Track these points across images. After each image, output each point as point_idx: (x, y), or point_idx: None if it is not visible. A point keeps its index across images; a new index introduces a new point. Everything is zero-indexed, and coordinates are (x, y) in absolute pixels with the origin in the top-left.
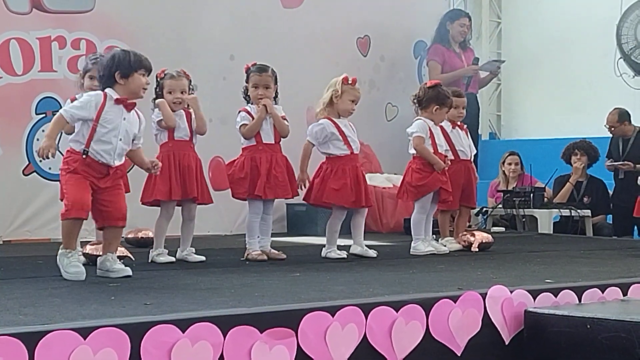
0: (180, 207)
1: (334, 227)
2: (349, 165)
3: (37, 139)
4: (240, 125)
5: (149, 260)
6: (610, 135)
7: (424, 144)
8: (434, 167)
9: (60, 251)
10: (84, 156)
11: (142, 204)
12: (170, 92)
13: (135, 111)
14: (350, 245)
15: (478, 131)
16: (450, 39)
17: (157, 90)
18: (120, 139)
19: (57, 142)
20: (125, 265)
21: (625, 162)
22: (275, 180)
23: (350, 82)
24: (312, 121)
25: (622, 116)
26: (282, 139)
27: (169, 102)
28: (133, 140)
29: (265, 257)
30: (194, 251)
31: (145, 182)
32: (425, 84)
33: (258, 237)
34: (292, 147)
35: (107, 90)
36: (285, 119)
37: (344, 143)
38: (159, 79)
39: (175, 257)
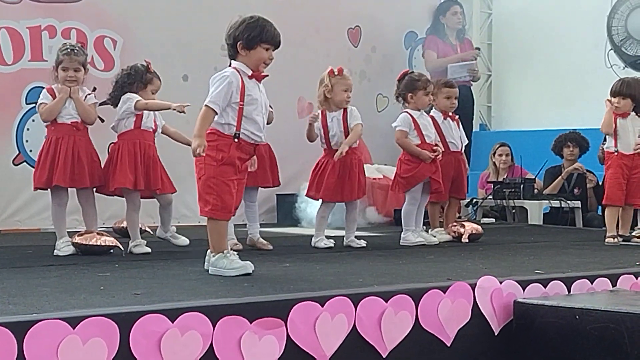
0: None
1: (320, 215)
2: (328, 157)
3: (27, 129)
4: None
5: (127, 251)
6: None
7: (409, 136)
8: (419, 158)
9: (214, 257)
10: (236, 139)
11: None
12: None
13: None
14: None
15: (472, 122)
16: (446, 31)
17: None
18: (263, 113)
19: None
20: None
21: None
22: (258, 169)
23: (336, 73)
24: (303, 111)
25: None
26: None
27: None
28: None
29: (241, 247)
30: (175, 230)
31: (107, 172)
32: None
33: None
34: (283, 137)
35: (236, 65)
36: (270, 107)
37: (324, 137)
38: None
39: (151, 246)
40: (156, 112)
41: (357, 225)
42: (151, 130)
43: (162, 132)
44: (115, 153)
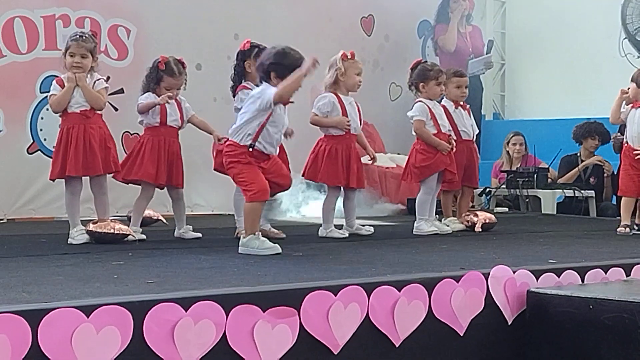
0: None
1: (330, 206)
2: (343, 145)
3: (42, 118)
4: None
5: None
6: None
7: (426, 126)
8: (437, 149)
9: (244, 238)
10: (250, 149)
11: (121, 180)
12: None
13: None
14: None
15: (481, 111)
16: (452, 20)
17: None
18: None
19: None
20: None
21: None
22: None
23: (349, 56)
24: None
25: None
26: None
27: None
28: None
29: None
30: (191, 228)
31: (129, 160)
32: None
33: None
34: (296, 126)
35: None
36: None
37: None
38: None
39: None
40: (183, 106)
41: (366, 214)
42: (176, 127)
43: (189, 121)
44: (140, 145)
